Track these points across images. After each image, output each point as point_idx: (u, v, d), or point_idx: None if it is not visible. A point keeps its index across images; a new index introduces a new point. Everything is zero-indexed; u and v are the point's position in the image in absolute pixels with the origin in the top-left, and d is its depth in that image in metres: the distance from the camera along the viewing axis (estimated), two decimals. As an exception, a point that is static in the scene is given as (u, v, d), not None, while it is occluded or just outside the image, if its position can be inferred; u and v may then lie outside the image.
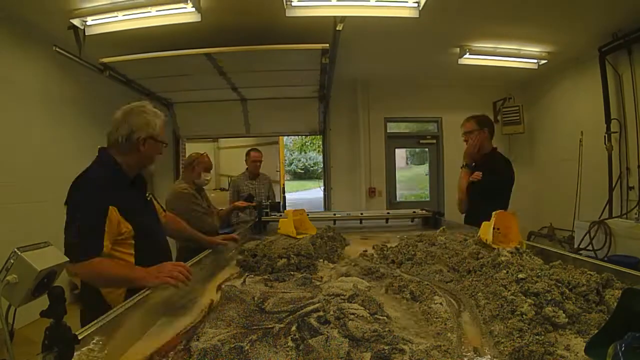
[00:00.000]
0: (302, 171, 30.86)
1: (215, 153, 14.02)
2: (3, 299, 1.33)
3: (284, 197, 11.11)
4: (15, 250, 1.34)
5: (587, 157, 6.41)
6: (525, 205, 7.97)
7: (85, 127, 6.01)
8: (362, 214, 4.24)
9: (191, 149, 8.88)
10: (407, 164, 11.13)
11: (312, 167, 30.33)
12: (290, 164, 30.02)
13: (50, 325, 1.26)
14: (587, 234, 5.21)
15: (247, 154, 6.22)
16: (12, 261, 1.34)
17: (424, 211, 4.31)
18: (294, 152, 30.46)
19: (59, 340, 1.23)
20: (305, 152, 30.81)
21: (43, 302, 1.33)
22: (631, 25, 5.20)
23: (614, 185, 5.81)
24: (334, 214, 4.26)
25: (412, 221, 4.28)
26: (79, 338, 1.28)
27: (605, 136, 5.85)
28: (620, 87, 5.73)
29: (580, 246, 5.33)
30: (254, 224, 4.02)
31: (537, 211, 7.81)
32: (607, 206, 5.81)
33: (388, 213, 4.46)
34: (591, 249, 5.11)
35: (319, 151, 23.65)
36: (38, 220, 4.87)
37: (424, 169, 8.80)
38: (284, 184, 11.23)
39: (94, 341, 1.37)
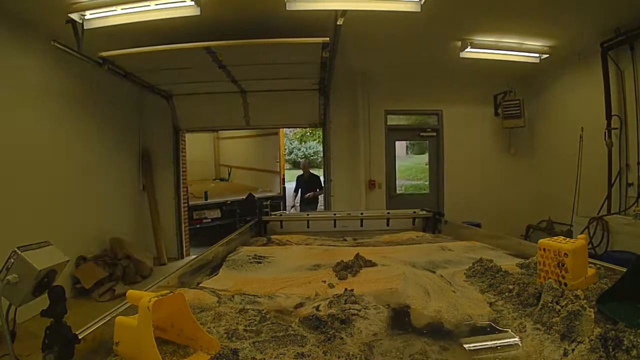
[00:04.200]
0: (302, 160, 30.84)
1: (215, 143, 14.03)
2: (3, 298, 1.35)
3: (284, 188, 11.12)
4: (16, 249, 1.35)
5: (587, 153, 6.42)
6: (524, 199, 8.02)
7: (85, 120, 6.03)
8: (362, 214, 4.26)
9: (190, 139, 8.91)
10: (407, 153, 11.14)
11: (312, 156, 30.32)
12: (290, 153, 30.03)
13: (51, 325, 1.26)
14: (586, 230, 5.23)
15: None
16: (12, 260, 1.35)
17: (424, 211, 4.32)
18: (293, 142, 30.44)
19: (59, 340, 1.24)
20: (305, 142, 30.79)
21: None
22: (634, 21, 5.17)
23: (613, 181, 5.81)
24: (334, 214, 4.28)
25: (413, 223, 4.29)
26: (79, 338, 1.29)
27: (605, 132, 5.84)
28: (622, 83, 5.71)
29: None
30: (254, 224, 4.03)
31: (536, 204, 7.82)
32: (606, 202, 5.81)
33: (388, 213, 4.46)
34: (590, 246, 5.13)
35: (319, 141, 23.61)
36: (37, 218, 4.89)
37: (424, 158, 8.79)
38: (283, 175, 11.24)
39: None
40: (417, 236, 3.60)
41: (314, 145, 29.65)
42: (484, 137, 8.20)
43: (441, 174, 8.34)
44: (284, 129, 12.65)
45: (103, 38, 4.87)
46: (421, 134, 8.50)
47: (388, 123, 8.24)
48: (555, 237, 1.81)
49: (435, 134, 8.38)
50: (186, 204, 8.14)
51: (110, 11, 4.36)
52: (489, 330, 1.53)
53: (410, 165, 10.00)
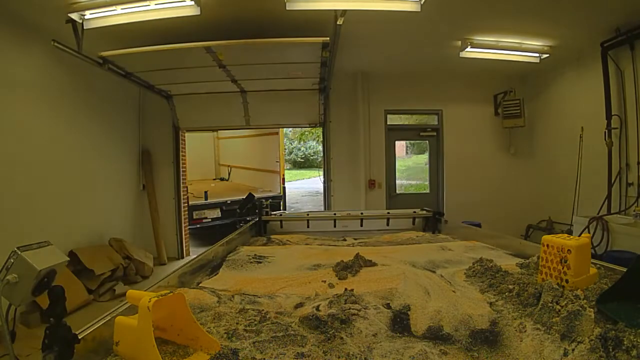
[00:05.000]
0: (302, 160, 30.81)
1: (215, 143, 14.03)
2: (3, 298, 1.35)
3: (284, 188, 11.12)
4: (16, 249, 1.35)
5: (587, 153, 6.41)
6: (524, 198, 8.02)
7: (84, 120, 6.02)
8: (362, 213, 4.26)
9: (190, 138, 8.91)
10: (407, 153, 11.13)
11: (312, 156, 30.28)
12: (290, 153, 30.00)
13: (51, 325, 1.26)
14: (586, 230, 5.23)
15: None
16: (12, 260, 1.35)
17: (424, 211, 4.32)
18: (293, 142, 30.40)
19: (59, 340, 1.24)
20: (305, 142, 30.75)
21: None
22: (634, 21, 5.16)
23: (613, 181, 5.81)
24: (334, 214, 4.28)
25: (413, 223, 4.29)
26: (79, 337, 1.29)
27: (605, 132, 5.83)
28: (622, 83, 5.70)
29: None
30: (254, 224, 4.03)
31: (536, 204, 7.81)
32: (606, 202, 5.81)
33: (388, 213, 4.46)
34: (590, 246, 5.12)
35: (318, 141, 23.61)
36: (37, 218, 4.88)
37: (424, 158, 8.79)
38: (283, 175, 11.24)
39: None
40: (417, 236, 3.60)
41: (314, 145, 29.64)
42: (484, 137, 8.20)
43: (441, 174, 8.34)
44: (284, 129, 12.61)
45: (103, 38, 4.86)
46: (421, 133, 8.49)
47: (388, 123, 8.23)
48: (559, 234, 1.82)
49: (435, 133, 8.37)
50: (186, 204, 8.15)
51: (110, 11, 4.33)
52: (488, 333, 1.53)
53: (411, 165, 10.00)
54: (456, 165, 8.19)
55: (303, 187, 21.61)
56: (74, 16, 4.36)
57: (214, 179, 13.70)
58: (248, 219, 5.22)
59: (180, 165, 7.90)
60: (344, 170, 8.06)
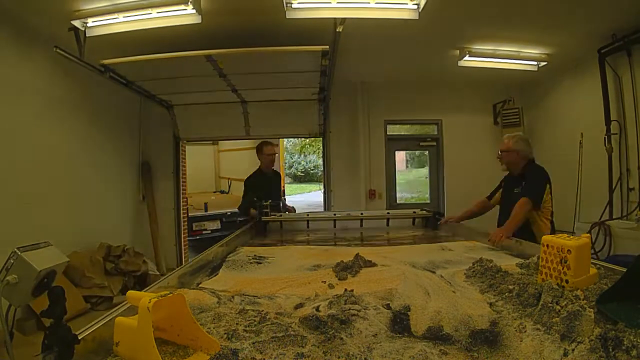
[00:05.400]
0: (302, 174, 30.78)
1: (216, 156, 14.03)
2: (3, 299, 1.34)
3: (284, 200, 11.11)
4: (15, 250, 1.35)
5: (587, 159, 6.41)
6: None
7: (85, 128, 6.03)
8: (362, 214, 4.27)
9: (191, 151, 8.93)
10: (407, 167, 11.15)
11: (312, 170, 30.24)
12: (290, 167, 29.94)
13: (51, 325, 1.26)
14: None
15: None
16: (12, 261, 1.35)
17: (424, 211, 4.33)
18: (294, 155, 30.38)
19: (58, 340, 1.24)
20: (305, 155, 30.73)
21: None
22: (631, 27, 5.20)
23: (614, 186, 5.81)
24: (334, 214, 4.28)
25: (413, 223, 4.30)
26: (79, 338, 1.29)
27: (605, 138, 5.85)
28: (620, 88, 5.73)
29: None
30: (254, 224, 4.03)
31: (538, 212, 7.79)
32: (608, 207, 5.80)
33: (388, 213, 4.48)
34: (592, 251, 5.11)
35: (319, 154, 23.59)
36: (36, 226, 4.87)
37: (424, 172, 8.80)
38: (284, 187, 11.21)
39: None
40: (417, 236, 3.61)
41: (314, 159, 29.61)
42: (484, 146, 8.18)
43: (441, 184, 8.34)
44: (284, 141, 12.60)
45: (105, 46, 4.90)
46: (421, 143, 8.52)
47: (388, 133, 8.26)
48: (559, 234, 1.82)
49: (435, 143, 8.40)
50: (186, 215, 8.13)
51: (112, 19, 4.39)
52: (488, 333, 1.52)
53: (411, 179, 10.01)
54: (456, 174, 8.19)
55: (304, 201, 21.57)
56: (77, 23, 4.40)
57: (214, 192, 13.69)
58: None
59: (181, 176, 7.90)
60: (344, 180, 8.05)
